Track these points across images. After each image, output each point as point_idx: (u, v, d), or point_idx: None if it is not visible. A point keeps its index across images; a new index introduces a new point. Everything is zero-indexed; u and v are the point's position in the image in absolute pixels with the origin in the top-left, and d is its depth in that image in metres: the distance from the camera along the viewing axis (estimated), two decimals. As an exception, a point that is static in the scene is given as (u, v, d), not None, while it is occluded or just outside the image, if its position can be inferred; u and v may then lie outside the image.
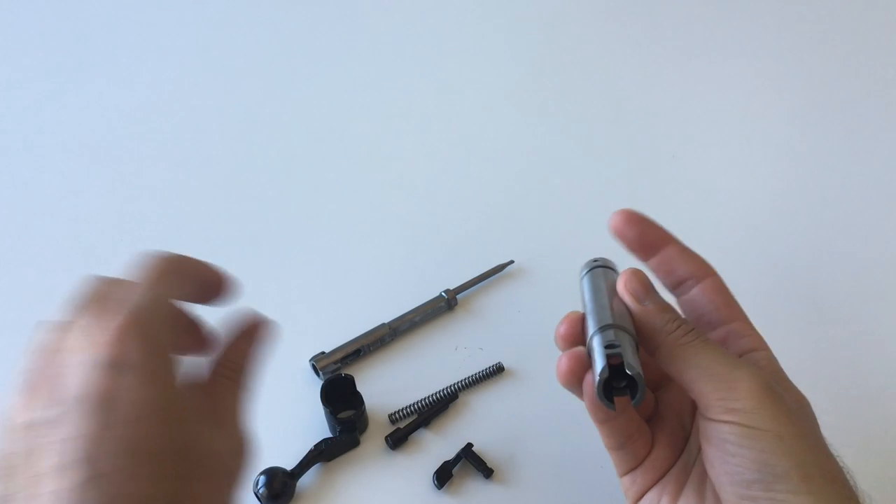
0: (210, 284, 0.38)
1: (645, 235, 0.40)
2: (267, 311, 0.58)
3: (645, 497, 0.39)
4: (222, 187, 0.67)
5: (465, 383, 0.54)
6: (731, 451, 0.33)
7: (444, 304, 0.57)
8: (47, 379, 0.29)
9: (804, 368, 0.56)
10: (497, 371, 0.55)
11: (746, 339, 0.38)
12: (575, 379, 0.37)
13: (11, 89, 0.76)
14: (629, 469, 0.39)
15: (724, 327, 0.38)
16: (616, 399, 0.34)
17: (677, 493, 0.37)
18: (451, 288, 0.58)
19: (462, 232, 0.64)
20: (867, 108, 0.75)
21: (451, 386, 0.54)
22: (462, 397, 0.54)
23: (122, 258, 0.64)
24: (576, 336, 0.37)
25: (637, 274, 0.37)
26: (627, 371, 0.33)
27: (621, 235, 0.40)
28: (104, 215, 0.65)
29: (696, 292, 0.39)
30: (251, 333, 0.38)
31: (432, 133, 0.73)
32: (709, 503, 0.36)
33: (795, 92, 0.77)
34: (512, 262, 0.61)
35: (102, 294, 0.32)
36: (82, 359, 0.28)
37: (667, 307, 0.37)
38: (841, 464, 0.34)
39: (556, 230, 0.64)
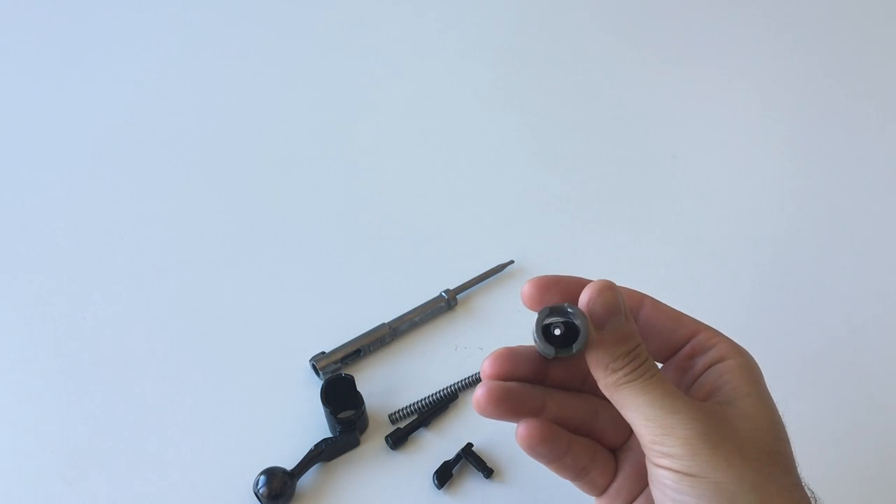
0: None
1: (564, 294, 0.36)
2: (268, 310, 0.58)
3: None
4: (223, 187, 0.67)
5: (465, 383, 0.54)
6: (670, 494, 0.32)
7: (444, 304, 0.57)
8: None
9: (803, 368, 0.57)
10: (497, 371, 0.55)
11: (714, 349, 0.36)
12: (492, 403, 0.35)
13: (12, 89, 0.76)
14: (596, 495, 0.39)
15: (689, 344, 0.37)
16: (559, 356, 0.33)
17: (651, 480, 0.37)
18: (451, 288, 0.58)
19: (463, 232, 0.64)
20: (867, 107, 0.75)
21: (451, 386, 0.54)
22: (462, 397, 0.54)
23: (122, 258, 0.65)
24: (502, 370, 0.36)
25: (603, 293, 0.34)
26: (568, 309, 0.33)
27: (535, 305, 0.36)
28: (104, 215, 0.65)
29: (644, 319, 0.37)
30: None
31: (432, 134, 0.73)
32: None
33: (795, 92, 0.77)
34: (512, 261, 0.61)
35: None
36: None
37: (623, 338, 0.33)
38: (809, 494, 0.33)
39: (557, 230, 0.64)
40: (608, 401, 0.35)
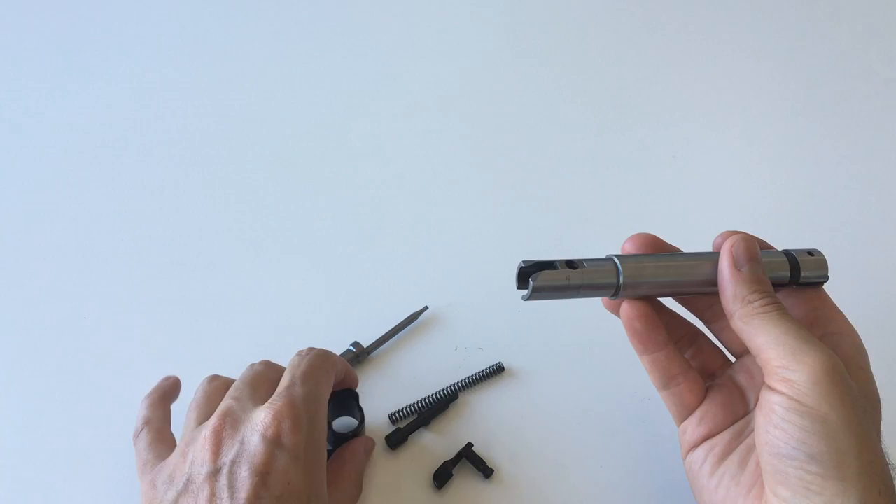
0: (343, 379, 0.49)
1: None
2: (262, 321, 0.58)
3: (695, 451, 0.41)
4: (222, 187, 0.67)
5: (465, 383, 0.54)
6: (775, 421, 0.34)
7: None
8: (230, 441, 0.39)
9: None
10: (497, 371, 0.55)
11: (832, 323, 0.39)
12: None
13: (12, 89, 0.76)
14: (681, 418, 0.42)
15: (812, 313, 0.40)
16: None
17: (724, 455, 0.39)
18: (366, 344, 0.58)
19: (463, 234, 0.64)
20: (867, 107, 0.75)
21: (451, 386, 0.54)
22: (462, 397, 0.54)
23: (122, 258, 0.65)
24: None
25: (748, 241, 0.38)
26: (521, 264, 0.38)
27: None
28: (104, 215, 0.65)
29: None
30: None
31: (432, 135, 0.73)
32: (747, 474, 0.38)
33: (795, 92, 0.77)
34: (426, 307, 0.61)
35: (263, 378, 0.45)
36: (254, 430, 0.39)
37: (760, 280, 0.37)
38: (888, 460, 0.34)
39: (558, 231, 0.64)
40: (708, 332, 0.42)
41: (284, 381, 0.43)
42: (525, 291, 0.37)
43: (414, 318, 0.57)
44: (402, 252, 0.63)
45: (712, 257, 0.40)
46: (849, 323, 0.40)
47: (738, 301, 0.37)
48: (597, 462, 0.50)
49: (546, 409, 0.53)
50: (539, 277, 0.37)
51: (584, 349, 0.56)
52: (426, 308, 0.58)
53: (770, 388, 0.35)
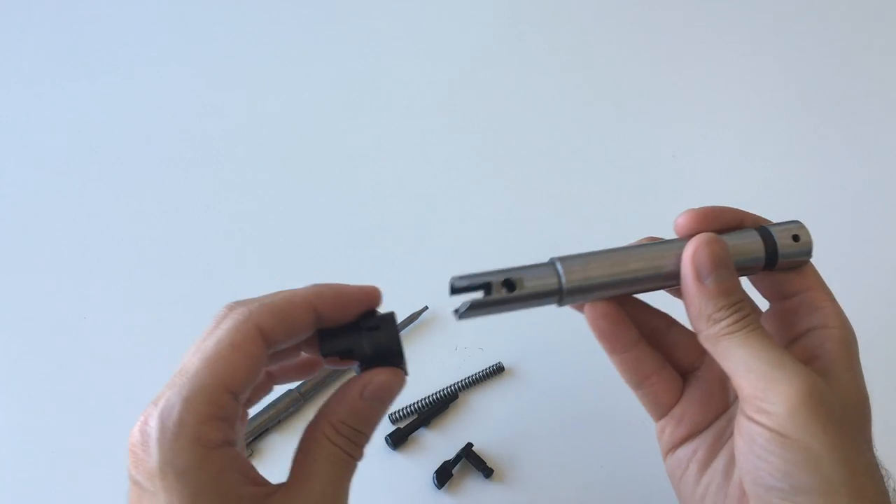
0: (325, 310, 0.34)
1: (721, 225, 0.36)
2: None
3: (676, 451, 0.38)
4: (222, 187, 0.67)
5: (465, 383, 0.54)
6: (757, 452, 0.32)
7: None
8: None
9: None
10: (497, 371, 0.55)
11: (818, 312, 0.35)
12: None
13: (12, 89, 0.76)
14: (658, 416, 0.39)
15: (797, 297, 0.36)
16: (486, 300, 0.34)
17: (707, 461, 0.37)
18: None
19: (458, 240, 0.64)
20: (867, 107, 0.75)
21: (451, 386, 0.54)
22: (462, 397, 0.54)
23: (122, 258, 0.65)
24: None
25: (710, 245, 0.34)
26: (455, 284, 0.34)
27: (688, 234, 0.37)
28: (104, 215, 0.65)
29: None
30: (382, 393, 0.34)
31: (432, 135, 0.73)
32: (734, 486, 0.35)
33: (795, 92, 0.77)
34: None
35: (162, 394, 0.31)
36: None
37: (727, 290, 0.33)
38: (883, 473, 0.33)
39: (558, 230, 0.64)
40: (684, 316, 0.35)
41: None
42: (458, 308, 0.34)
43: (414, 318, 0.57)
44: (402, 252, 0.63)
45: (675, 248, 0.35)
46: (837, 309, 0.36)
47: (703, 320, 0.33)
48: (597, 462, 0.50)
49: (546, 409, 0.53)
50: (471, 302, 0.33)
51: (584, 349, 0.56)
52: (426, 308, 0.58)
53: (748, 417, 0.32)
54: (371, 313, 0.35)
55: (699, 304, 0.33)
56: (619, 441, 0.51)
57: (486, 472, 0.49)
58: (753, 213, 0.37)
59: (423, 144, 0.71)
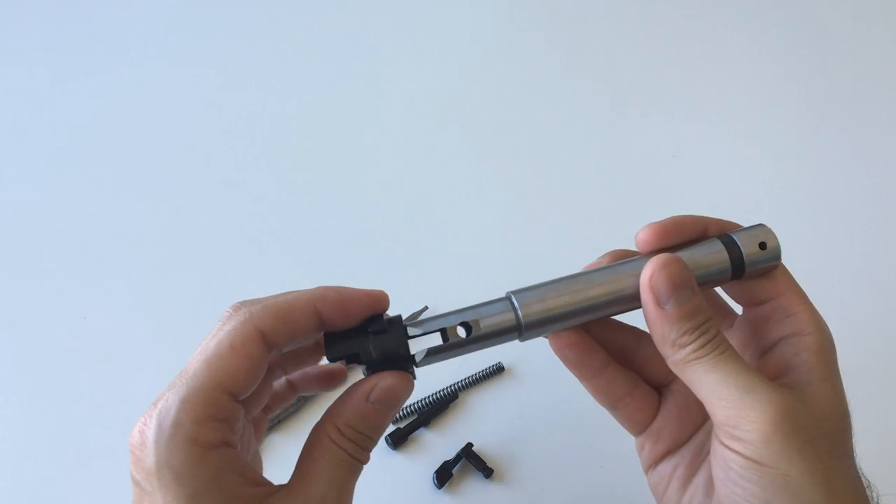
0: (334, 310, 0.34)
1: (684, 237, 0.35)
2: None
3: (657, 468, 0.38)
4: (221, 188, 0.67)
5: (465, 383, 0.54)
6: (733, 478, 0.31)
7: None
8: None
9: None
10: (497, 371, 0.55)
11: (791, 319, 0.34)
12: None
13: (12, 89, 0.76)
14: (636, 433, 0.38)
15: (770, 303, 0.35)
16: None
17: (687, 478, 0.36)
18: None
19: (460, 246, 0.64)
20: (867, 107, 0.75)
21: (451, 386, 0.54)
22: (462, 397, 0.54)
23: (122, 257, 0.65)
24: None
25: (668, 267, 0.32)
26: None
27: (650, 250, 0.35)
28: (104, 215, 0.65)
29: None
30: (388, 397, 0.33)
31: (432, 135, 0.73)
32: (716, 502, 0.34)
33: (796, 91, 0.77)
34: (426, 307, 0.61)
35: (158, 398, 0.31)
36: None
37: (689, 313, 0.32)
38: (865, 484, 0.32)
39: (557, 230, 0.64)
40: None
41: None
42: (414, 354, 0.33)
43: (414, 317, 0.57)
44: (402, 252, 0.63)
45: (634, 269, 0.33)
46: (810, 313, 0.34)
47: (668, 345, 0.32)
48: (597, 462, 0.50)
49: (546, 409, 0.53)
50: (427, 349, 0.33)
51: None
52: (426, 308, 0.58)
53: (722, 443, 0.31)
54: (378, 317, 0.34)
55: (662, 331, 0.32)
56: (619, 441, 0.51)
57: (486, 472, 0.49)
58: (725, 219, 0.36)
59: (423, 144, 0.71)
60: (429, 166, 0.70)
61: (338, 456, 0.32)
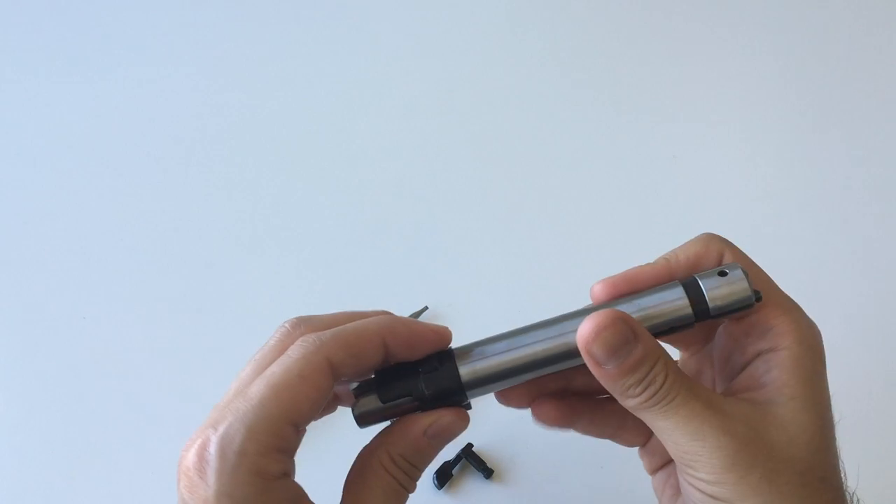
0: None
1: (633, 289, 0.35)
2: (261, 321, 0.58)
3: (658, 473, 0.39)
4: (221, 187, 0.67)
5: (465, 383, 0.54)
6: None
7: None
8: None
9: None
10: (497, 371, 0.55)
11: (769, 333, 0.33)
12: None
13: (11, 89, 0.76)
14: (636, 446, 0.40)
15: (748, 318, 0.34)
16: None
17: (677, 492, 0.37)
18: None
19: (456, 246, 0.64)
20: (867, 107, 0.75)
21: (451, 386, 0.54)
22: (462, 397, 0.54)
23: (121, 257, 0.65)
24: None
25: (601, 333, 0.31)
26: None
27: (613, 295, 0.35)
28: (103, 215, 0.65)
29: None
30: (446, 434, 0.34)
31: (432, 135, 0.73)
32: None
33: (795, 91, 0.77)
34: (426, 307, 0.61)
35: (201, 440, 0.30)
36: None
37: (630, 368, 0.31)
38: (848, 499, 0.32)
39: (557, 230, 0.64)
40: None
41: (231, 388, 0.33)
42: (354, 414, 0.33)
43: (414, 318, 0.57)
44: (402, 252, 0.63)
45: (577, 325, 0.32)
46: (790, 325, 0.33)
47: (618, 395, 0.32)
48: (596, 462, 0.50)
49: (546, 409, 0.53)
50: (360, 404, 0.33)
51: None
52: (426, 308, 0.58)
53: (683, 478, 0.32)
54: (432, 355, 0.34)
55: (608, 385, 0.32)
56: (620, 441, 0.51)
57: (486, 472, 0.49)
58: (696, 255, 0.35)
59: (422, 144, 0.71)
60: (429, 166, 0.70)
61: (389, 484, 0.32)
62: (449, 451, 0.50)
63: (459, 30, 0.83)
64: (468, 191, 0.67)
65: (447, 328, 0.34)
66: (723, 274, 0.33)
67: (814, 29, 0.83)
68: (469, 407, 0.35)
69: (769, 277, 0.36)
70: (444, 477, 0.49)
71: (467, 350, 0.34)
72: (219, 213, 0.65)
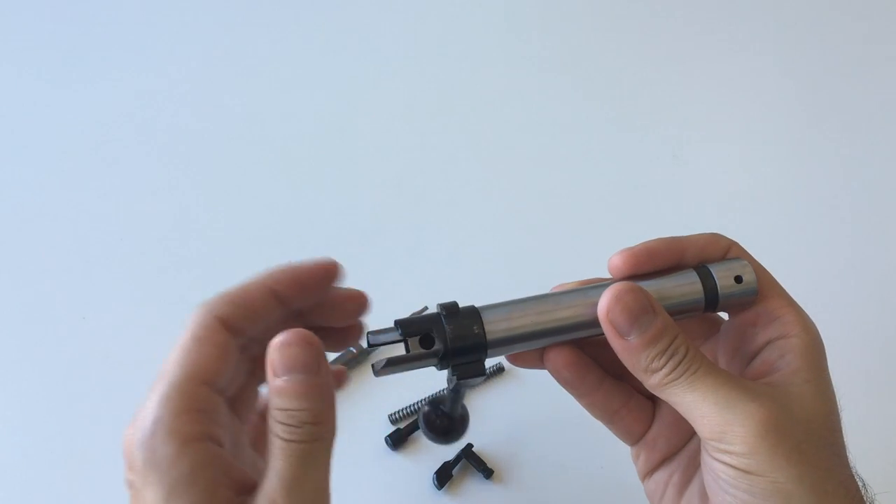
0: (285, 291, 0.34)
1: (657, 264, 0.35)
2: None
3: (654, 475, 0.38)
4: (221, 187, 0.67)
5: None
6: (724, 487, 0.31)
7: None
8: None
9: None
10: (497, 371, 0.55)
11: (777, 322, 0.34)
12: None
13: (11, 89, 0.76)
14: (632, 443, 0.39)
15: (756, 308, 0.35)
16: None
17: (683, 486, 0.37)
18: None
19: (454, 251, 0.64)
20: (867, 107, 0.75)
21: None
22: (462, 397, 0.54)
23: (122, 258, 0.65)
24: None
25: (622, 298, 0.32)
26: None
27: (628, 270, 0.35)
28: (103, 215, 0.65)
29: None
30: (288, 361, 0.30)
31: (432, 135, 0.73)
32: None
33: (795, 91, 0.77)
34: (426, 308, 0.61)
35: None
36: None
37: (653, 339, 0.32)
38: (859, 484, 0.32)
39: (557, 230, 0.64)
40: None
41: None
42: (374, 364, 0.33)
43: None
44: (402, 252, 0.63)
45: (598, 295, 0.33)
46: (796, 316, 0.34)
47: (641, 372, 0.32)
48: (596, 462, 0.50)
49: (546, 409, 0.53)
50: (386, 359, 0.33)
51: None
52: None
53: (710, 455, 0.32)
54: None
55: (630, 361, 0.32)
56: (618, 442, 0.51)
57: (486, 472, 0.49)
58: (702, 233, 0.36)
59: (422, 144, 0.71)
60: (429, 166, 0.70)
61: (279, 445, 0.30)
62: (449, 452, 0.50)
63: (459, 30, 0.83)
64: (468, 191, 0.67)
65: (333, 260, 0.34)
66: (732, 266, 0.34)
67: (814, 29, 0.83)
68: (483, 373, 0.34)
69: (770, 273, 0.36)
70: (444, 477, 0.49)
71: (492, 307, 0.34)
72: (219, 212, 0.65)
